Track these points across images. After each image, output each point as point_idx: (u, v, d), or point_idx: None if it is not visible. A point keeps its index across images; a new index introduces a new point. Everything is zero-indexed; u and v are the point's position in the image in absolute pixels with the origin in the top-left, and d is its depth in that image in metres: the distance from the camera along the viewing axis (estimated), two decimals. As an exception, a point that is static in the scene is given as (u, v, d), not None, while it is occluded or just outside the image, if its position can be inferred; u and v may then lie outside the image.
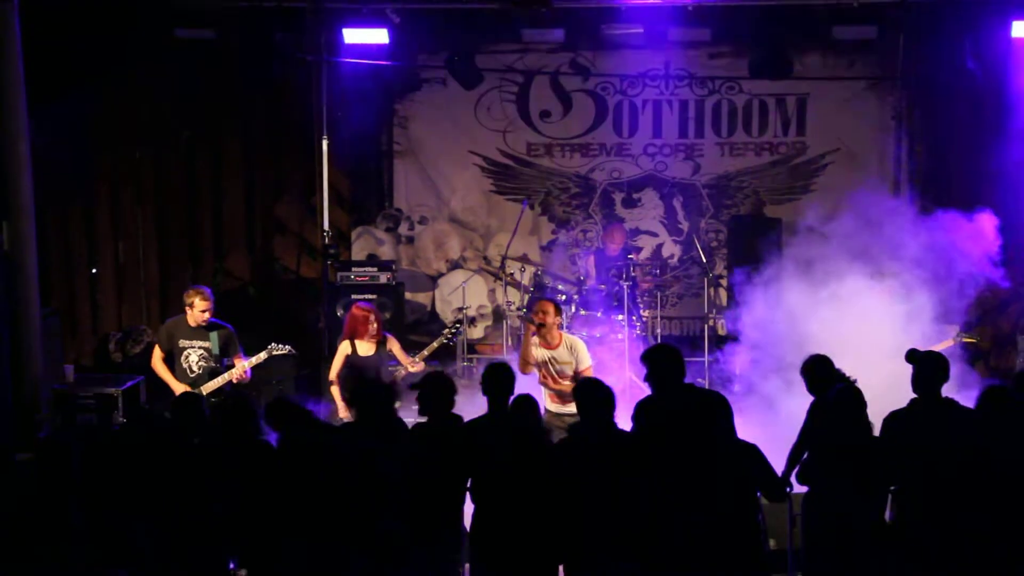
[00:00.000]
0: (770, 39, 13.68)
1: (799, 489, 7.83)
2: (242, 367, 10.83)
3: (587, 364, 10.29)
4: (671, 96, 15.74)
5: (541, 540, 7.46)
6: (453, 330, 11.60)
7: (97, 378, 12.66)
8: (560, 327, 10.49)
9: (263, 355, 10.97)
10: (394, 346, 11.18)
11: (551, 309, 10.34)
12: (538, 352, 10.30)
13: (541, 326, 10.28)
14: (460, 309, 15.03)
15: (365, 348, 11.06)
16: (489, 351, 15.57)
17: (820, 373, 8.28)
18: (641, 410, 7.63)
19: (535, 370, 10.32)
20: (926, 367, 7.77)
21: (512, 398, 7.91)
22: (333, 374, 11.06)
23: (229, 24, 13.88)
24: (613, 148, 15.96)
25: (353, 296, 13.61)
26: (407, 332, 14.53)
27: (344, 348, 11.11)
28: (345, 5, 13.75)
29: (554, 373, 10.27)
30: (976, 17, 13.03)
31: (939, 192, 14.47)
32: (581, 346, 10.42)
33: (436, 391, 7.93)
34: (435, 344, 11.31)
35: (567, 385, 10.05)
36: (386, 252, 15.91)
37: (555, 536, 7.48)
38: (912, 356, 7.90)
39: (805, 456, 8.02)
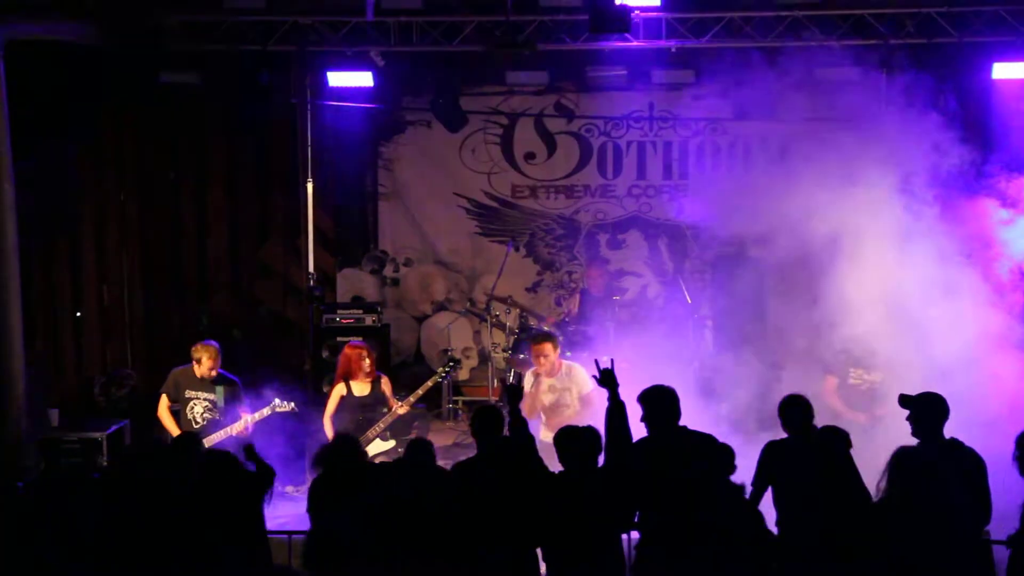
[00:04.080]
0: (753, 80, 13.74)
1: None
2: (243, 422, 10.79)
3: (589, 388, 10.46)
4: (655, 137, 15.81)
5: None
6: (446, 369, 11.61)
7: (81, 422, 12.60)
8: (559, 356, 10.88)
9: (266, 411, 10.95)
10: (386, 388, 11.17)
11: (549, 349, 10.65)
12: (542, 383, 10.56)
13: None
14: (445, 351, 15.02)
15: (360, 388, 11.07)
16: (475, 393, 15.53)
17: (797, 412, 8.24)
18: (636, 451, 7.66)
19: (539, 412, 10.60)
20: (922, 410, 7.83)
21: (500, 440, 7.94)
22: (328, 416, 11.04)
23: (214, 68, 13.91)
24: (598, 189, 16.01)
25: (339, 339, 13.58)
26: (393, 374, 14.45)
27: (339, 390, 11.10)
28: (330, 48, 13.80)
29: (554, 402, 10.57)
30: (958, 58, 13.12)
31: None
32: (579, 369, 10.73)
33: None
34: (429, 383, 11.35)
35: (568, 416, 10.28)
36: (371, 294, 15.89)
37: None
38: (905, 400, 7.94)
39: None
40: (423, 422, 13.57)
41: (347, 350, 11.30)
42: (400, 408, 10.96)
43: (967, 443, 7.88)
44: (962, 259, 11.42)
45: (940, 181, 11.72)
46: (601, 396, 7.97)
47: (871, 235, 11.47)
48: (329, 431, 10.88)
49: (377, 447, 10.84)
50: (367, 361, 11.07)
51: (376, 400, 11.06)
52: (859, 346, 11.06)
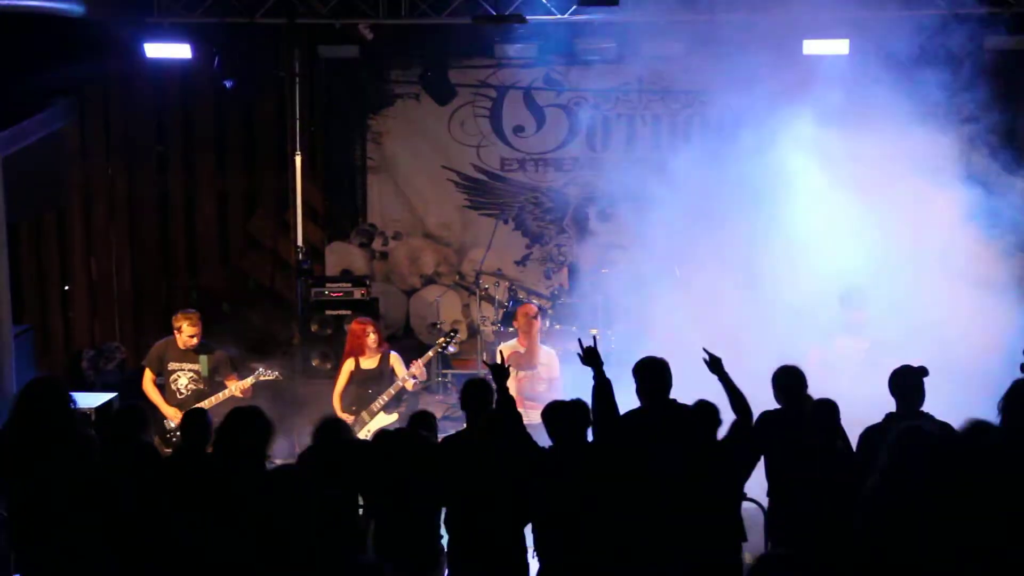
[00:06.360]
0: (742, 53, 13.72)
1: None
2: (228, 392, 10.71)
3: (558, 373, 10.66)
4: (644, 110, 15.77)
5: (520, 553, 7.52)
6: (447, 339, 11.63)
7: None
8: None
9: (250, 380, 10.87)
10: (395, 363, 11.12)
11: (534, 310, 10.91)
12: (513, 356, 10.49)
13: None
14: (434, 324, 15.00)
15: (368, 362, 11.06)
16: (464, 367, 15.52)
17: (791, 383, 8.26)
18: (628, 421, 7.67)
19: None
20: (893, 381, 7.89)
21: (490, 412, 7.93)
22: (337, 392, 11.03)
23: (202, 41, 13.85)
24: (587, 162, 15.97)
25: (327, 312, 13.54)
26: (382, 347, 14.51)
27: (348, 366, 11.08)
28: (319, 21, 13.75)
29: (526, 383, 10.53)
30: (949, 31, 13.10)
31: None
32: (555, 355, 10.85)
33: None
34: (430, 354, 11.35)
35: (532, 403, 10.10)
36: (360, 267, 15.87)
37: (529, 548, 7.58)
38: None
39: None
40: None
41: (353, 326, 11.31)
42: (407, 383, 10.91)
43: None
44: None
45: (929, 151, 11.77)
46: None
47: (859, 199, 11.53)
48: (337, 407, 10.90)
49: (381, 421, 10.83)
50: (373, 336, 11.04)
51: (382, 373, 11.02)
52: (846, 311, 11.10)
